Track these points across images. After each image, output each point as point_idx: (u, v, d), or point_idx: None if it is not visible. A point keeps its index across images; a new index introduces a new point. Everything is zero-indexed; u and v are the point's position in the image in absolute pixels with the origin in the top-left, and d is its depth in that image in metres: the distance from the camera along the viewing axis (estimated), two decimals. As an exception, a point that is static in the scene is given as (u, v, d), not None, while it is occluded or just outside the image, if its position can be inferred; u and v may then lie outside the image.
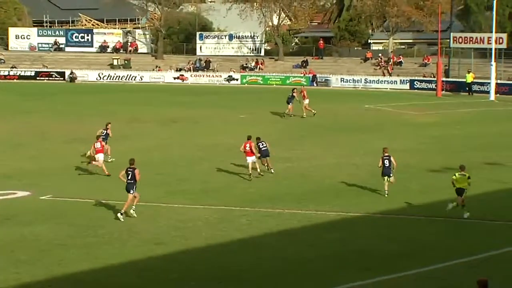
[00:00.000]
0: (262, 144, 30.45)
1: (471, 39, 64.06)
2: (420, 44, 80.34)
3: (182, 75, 72.66)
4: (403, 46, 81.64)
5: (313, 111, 46.70)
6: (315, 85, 68.64)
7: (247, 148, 29.90)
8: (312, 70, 71.54)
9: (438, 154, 34.80)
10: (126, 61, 76.32)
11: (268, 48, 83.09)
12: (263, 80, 70.96)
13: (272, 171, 30.58)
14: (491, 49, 59.26)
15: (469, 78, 60.35)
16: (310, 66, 73.25)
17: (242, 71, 73.59)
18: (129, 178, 24.26)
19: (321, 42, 78.97)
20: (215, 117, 48.37)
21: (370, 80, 67.93)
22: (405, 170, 31.11)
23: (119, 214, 23.99)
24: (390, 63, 70.37)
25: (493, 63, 57.80)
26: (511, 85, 60.34)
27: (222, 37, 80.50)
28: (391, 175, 27.11)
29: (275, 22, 78.36)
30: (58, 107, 44.21)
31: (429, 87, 63.25)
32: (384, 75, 68.40)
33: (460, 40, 64.54)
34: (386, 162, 27.06)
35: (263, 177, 30.16)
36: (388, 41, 76.58)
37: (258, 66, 74.69)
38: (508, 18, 66.39)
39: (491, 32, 59.45)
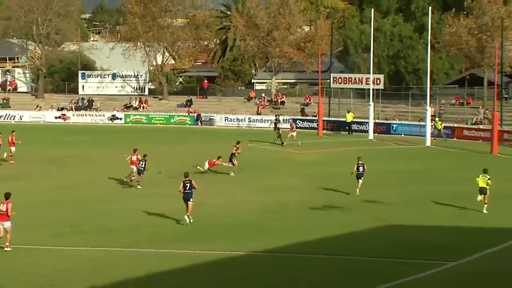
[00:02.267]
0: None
1: (350, 79, 66.08)
2: (302, 84, 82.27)
3: (64, 115, 71.39)
4: (286, 86, 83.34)
5: (298, 142, 51.46)
6: (199, 124, 68.94)
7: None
8: (196, 109, 71.84)
9: (320, 192, 35.48)
10: (4, 100, 74.38)
11: (152, 87, 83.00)
12: (147, 119, 70.62)
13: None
14: (369, 89, 61.24)
15: (349, 117, 62.07)
16: (195, 105, 73.55)
17: (126, 110, 73.04)
18: (187, 188, 28.12)
19: (205, 81, 79.62)
20: (98, 156, 47.79)
21: (254, 119, 68.84)
22: (288, 208, 31.61)
23: (186, 218, 27.94)
24: (260, 102, 71.70)
25: (371, 103, 59.71)
26: (388, 125, 62.44)
27: (105, 76, 79.81)
28: (362, 178, 34.07)
29: (159, 61, 78.39)
30: None
31: (310, 126, 64.62)
32: (275, 108, 69.48)
33: (340, 81, 66.43)
34: (360, 168, 34.26)
35: (153, 217, 29.94)
36: (271, 81, 77.96)
37: (142, 105, 74.34)
38: None
39: (369, 73, 61.53)
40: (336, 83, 66.58)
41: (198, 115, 69.83)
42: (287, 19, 73.76)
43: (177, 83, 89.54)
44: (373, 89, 60.86)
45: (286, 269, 23.05)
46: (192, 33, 78.18)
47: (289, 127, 54.71)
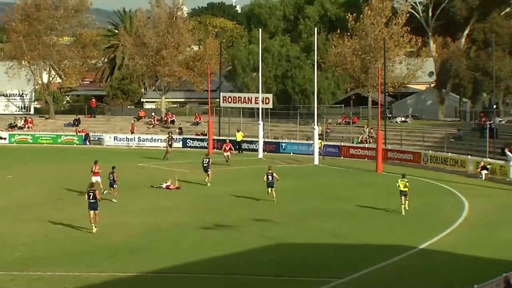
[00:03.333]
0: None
1: (239, 99, 66.60)
2: (192, 103, 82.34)
3: None
4: (175, 105, 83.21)
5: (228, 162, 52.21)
6: (88, 143, 67.81)
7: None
8: (84, 128, 70.68)
9: (210, 211, 35.49)
10: None
11: (38, 106, 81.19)
12: (33, 139, 68.91)
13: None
14: (258, 108, 61.87)
15: (239, 136, 62.45)
16: (83, 125, 72.35)
17: (11, 130, 71.06)
18: (91, 198, 30.10)
19: (93, 100, 78.49)
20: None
21: (144, 139, 68.28)
22: (178, 228, 31.47)
23: (94, 229, 29.76)
24: (133, 121, 71.30)
25: (261, 122, 60.32)
26: (277, 144, 63.20)
27: (-12, 94, 77.53)
28: (273, 186, 36.93)
29: (45, 80, 76.74)
30: None
31: (201, 145, 64.63)
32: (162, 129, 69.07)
33: (229, 100, 66.85)
34: (270, 177, 37.01)
35: (33, 238, 29.17)
36: (160, 100, 77.64)
37: (28, 125, 72.51)
38: None
39: (258, 92, 62.17)
40: (226, 102, 66.94)
41: (86, 135, 68.70)
42: (176, 38, 73.81)
43: (64, 102, 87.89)
44: (262, 108, 61.53)
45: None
46: (79, 52, 77.01)
47: (224, 147, 53.78)
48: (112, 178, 37.50)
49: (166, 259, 26.22)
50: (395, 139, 61.51)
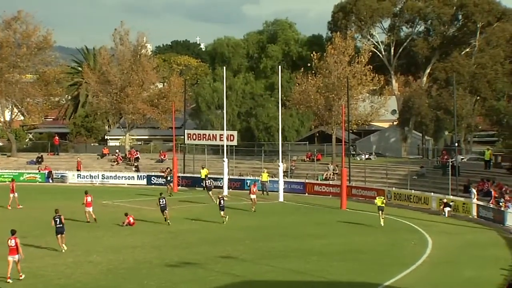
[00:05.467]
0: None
1: (204, 136, 66.61)
2: (157, 140, 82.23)
3: None
4: (140, 142, 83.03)
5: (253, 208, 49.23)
6: (51, 181, 67.23)
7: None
8: (47, 166, 70.08)
9: (175, 249, 35.29)
10: None
11: (0, 144, 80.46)
12: (-5, 177, 68.10)
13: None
14: (223, 145, 61.94)
15: (203, 173, 62.41)
16: (46, 162, 71.74)
17: (-28, 168, 70.23)
18: (58, 223, 33.37)
19: (56, 138, 77.99)
20: None
21: (108, 176, 67.87)
22: (143, 266, 31.20)
23: (64, 248, 33.07)
24: (78, 161, 71.03)
25: (225, 159, 60.36)
26: (242, 180, 63.25)
27: (-51, 133, 76.63)
28: (224, 209, 42.69)
29: (7, 117, 76.10)
30: None
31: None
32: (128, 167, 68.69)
33: (194, 137, 66.80)
34: (222, 201, 42.73)
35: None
36: (124, 137, 77.39)
37: (-10, 163, 71.79)
38: None
39: (223, 129, 62.30)
40: (191, 140, 66.86)
41: (49, 172, 68.14)
42: (140, 76, 73.87)
43: (26, 140, 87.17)
44: (227, 146, 61.60)
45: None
46: (42, 89, 76.53)
47: (251, 189, 50.87)
48: (164, 203, 41.96)
49: (131, 298, 25.97)
50: (359, 176, 61.93)
